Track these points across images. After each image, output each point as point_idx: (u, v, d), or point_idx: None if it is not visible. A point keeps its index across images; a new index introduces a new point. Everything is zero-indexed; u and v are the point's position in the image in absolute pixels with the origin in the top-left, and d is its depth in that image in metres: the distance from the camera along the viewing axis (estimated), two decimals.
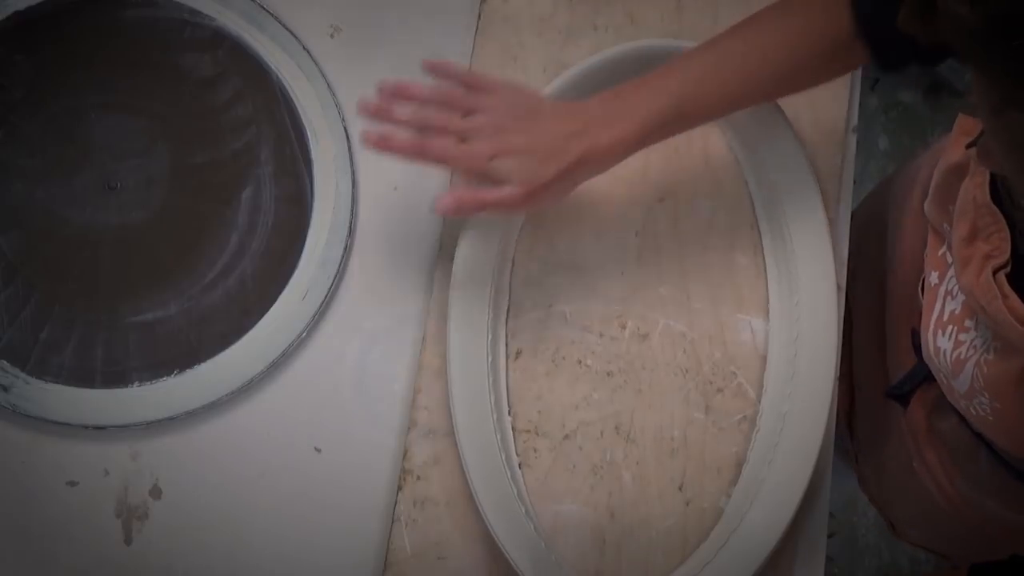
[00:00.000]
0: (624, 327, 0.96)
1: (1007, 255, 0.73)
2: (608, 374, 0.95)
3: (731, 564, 0.89)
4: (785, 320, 0.96)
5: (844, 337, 0.96)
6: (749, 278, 0.98)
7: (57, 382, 0.90)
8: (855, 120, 1.02)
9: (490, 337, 0.92)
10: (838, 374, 0.95)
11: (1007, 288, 0.73)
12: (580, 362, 0.95)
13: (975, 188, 0.75)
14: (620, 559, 0.91)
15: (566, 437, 0.93)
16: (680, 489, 0.93)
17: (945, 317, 0.82)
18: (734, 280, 0.97)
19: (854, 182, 1.02)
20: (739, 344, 0.96)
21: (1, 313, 0.90)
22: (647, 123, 0.82)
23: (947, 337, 0.82)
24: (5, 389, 0.89)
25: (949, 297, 0.82)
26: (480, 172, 0.82)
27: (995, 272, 0.74)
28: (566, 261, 0.96)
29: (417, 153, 0.83)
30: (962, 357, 0.80)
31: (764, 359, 0.96)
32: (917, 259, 0.93)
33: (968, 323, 0.79)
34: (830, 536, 1.19)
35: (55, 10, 0.95)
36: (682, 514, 0.93)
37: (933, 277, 0.85)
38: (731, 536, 0.90)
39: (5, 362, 0.89)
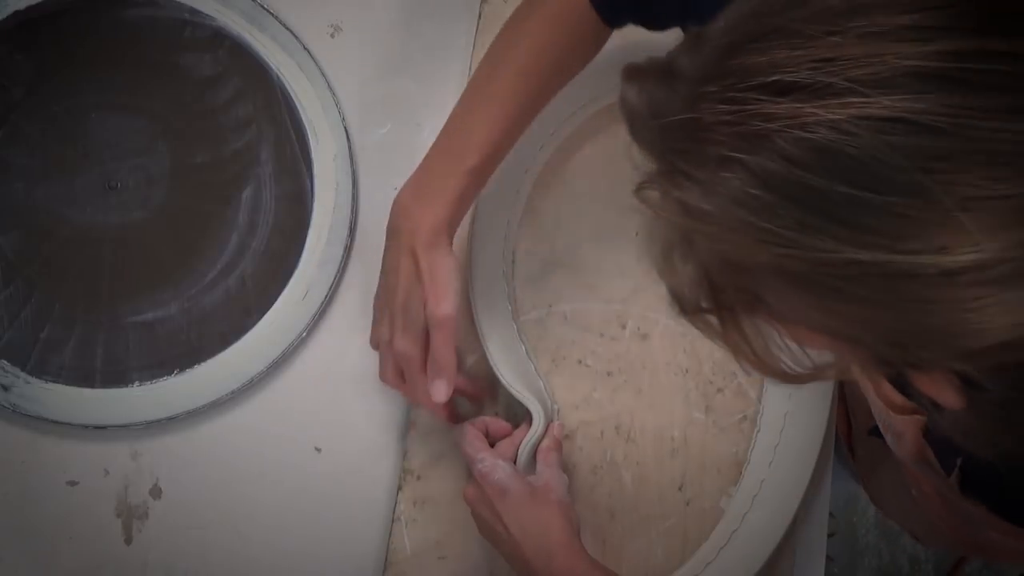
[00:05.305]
0: (624, 327, 0.96)
1: None
2: (608, 374, 0.95)
3: (732, 564, 0.90)
4: None
5: None
6: None
7: (57, 382, 0.90)
8: None
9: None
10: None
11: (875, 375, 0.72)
12: (580, 362, 0.95)
13: None
14: (620, 559, 0.91)
15: (566, 437, 0.93)
16: (680, 489, 0.93)
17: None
18: None
19: None
20: None
21: (1, 313, 0.90)
22: (455, 203, 0.83)
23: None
24: (5, 389, 0.89)
25: None
26: None
27: None
28: (566, 261, 0.96)
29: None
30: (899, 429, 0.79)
31: None
32: None
33: None
34: (830, 536, 1.18)
35: (55, 10, 0.95)
36: (682, 514, 0.93)
37: None
38: (732, 536, 0.90)
39: (5, 362, 0.89)
